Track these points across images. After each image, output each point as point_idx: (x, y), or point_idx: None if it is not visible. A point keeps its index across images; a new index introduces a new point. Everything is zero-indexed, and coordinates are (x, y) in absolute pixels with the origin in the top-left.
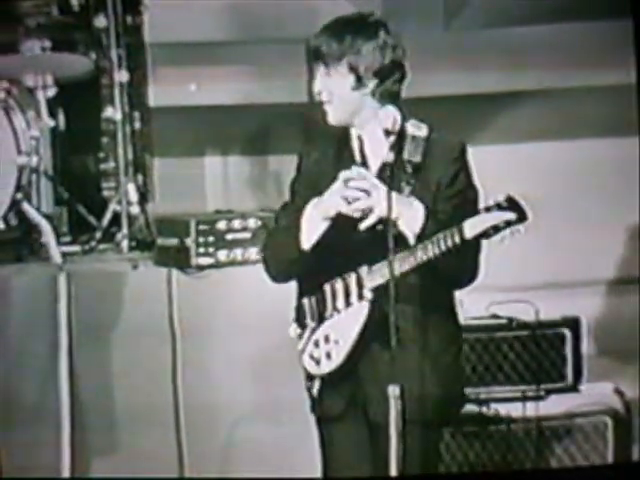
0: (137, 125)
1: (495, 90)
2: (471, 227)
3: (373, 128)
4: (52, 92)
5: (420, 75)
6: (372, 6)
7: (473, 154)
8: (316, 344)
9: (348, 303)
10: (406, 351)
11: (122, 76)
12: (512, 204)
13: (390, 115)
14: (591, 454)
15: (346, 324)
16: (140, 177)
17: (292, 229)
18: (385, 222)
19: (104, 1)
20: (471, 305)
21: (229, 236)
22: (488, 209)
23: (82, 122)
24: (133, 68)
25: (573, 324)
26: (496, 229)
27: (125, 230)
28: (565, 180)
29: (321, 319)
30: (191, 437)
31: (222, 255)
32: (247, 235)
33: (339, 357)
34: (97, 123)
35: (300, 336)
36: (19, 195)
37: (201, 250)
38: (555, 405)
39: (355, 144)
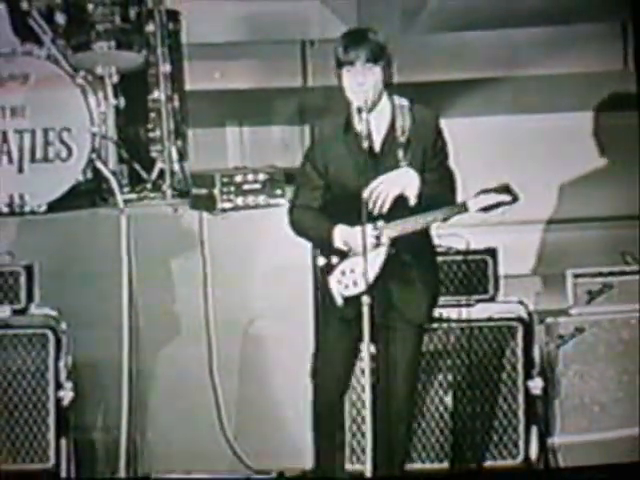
0: (176, 104)
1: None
2: (474, 204)
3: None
4: (116, 79)
5: None
6: (349, 10)
7: None
8: (343, 273)
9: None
10: (410, 284)
11: (165, 68)
12: (508, 190)
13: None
14: (506, 350)
15: (369, 262)
16: (179, 142)
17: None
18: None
19: (152, 12)
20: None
21: (245, 187)
22: (491, 190)
23: (136, 101)
24: (174, 62)
25: (493, 253)
26: (493, 207)
27: (168, 182)
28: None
29: (343, 256)
30: (219, 332)
31: (239, 201)
32: (258, 186)
33: (362, 285)
34: (147, 102)
35: (326, 265)
36: (93, 155)
37: (224, 197)
38: (481, 311)
39: (358, 122)
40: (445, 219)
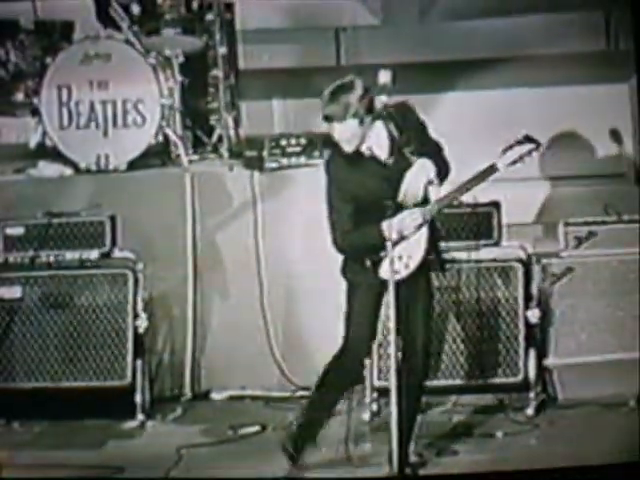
0: (232, 80)
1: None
2: (502, 162)
3: (373, 138)
4: (181, 60)
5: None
6: (375, 1)
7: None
8: (392, 263)
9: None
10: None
11: (222, 50)
12: (530, 139)
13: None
14: (509, 286)
15: (414, 245)
16: (234, 112)
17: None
18: None
19: (212, 4)
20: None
21: (289, 149)
22: (514, 145)
23: (198, 78)
24: (229, 45)
25: (496, 205)
26: (521, 158)
27: (225, 145)
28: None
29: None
30: (268, 271)
31: (284, 161)
32: (299, 149)
33: (412, 266)
34: (207, 79)
35: (372, 263)
36: (163, 122)
37: (271, 158)
38: (487, 253)
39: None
40: (478, 184)
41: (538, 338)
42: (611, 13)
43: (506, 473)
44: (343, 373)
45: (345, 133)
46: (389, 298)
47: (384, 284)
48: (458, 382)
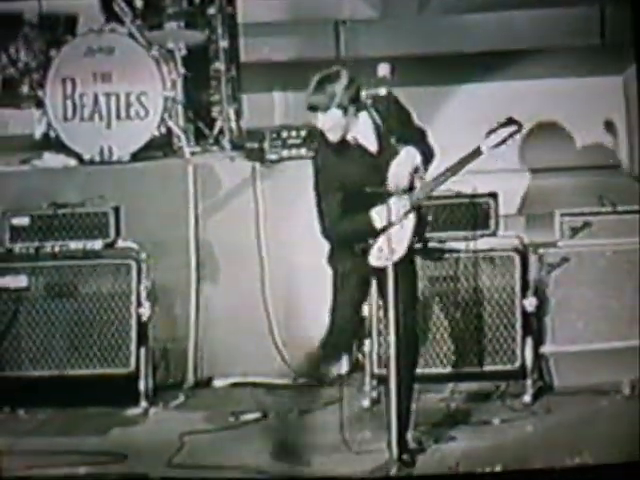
0: (233, 73)
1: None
2: (486, 145)
3: (358, 128)
4: (183, 52)
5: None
6: None
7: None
8: (380, 250)
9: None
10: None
11: (224, 43)
12: (512, 121)
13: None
14: (506, 275)
15: (402, 231)
16: (235, 104)
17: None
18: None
19: None
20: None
21: (289, 141)
22: (498, 128)
23: (200, 71)
24: (231, 39)
25: (494, 196)
26: (505, 141)
27: (227, 137)
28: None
29: (377, 236)
30: (269, 259)
31: (284, 153)
32: (299, 141)
33: (401, 251)
34: (209, 72)
35: (362, 249)
36: (165, 115)
37: (272, 150)
38: (484, 244)
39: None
40: (463, 168)
41: (535, 326)
42: (606, 7)
43: (506, 473)
44: (328, 360)
45: (328, 123)
46: (383, 288)
47: (371, 274)
48: (456, 370)
